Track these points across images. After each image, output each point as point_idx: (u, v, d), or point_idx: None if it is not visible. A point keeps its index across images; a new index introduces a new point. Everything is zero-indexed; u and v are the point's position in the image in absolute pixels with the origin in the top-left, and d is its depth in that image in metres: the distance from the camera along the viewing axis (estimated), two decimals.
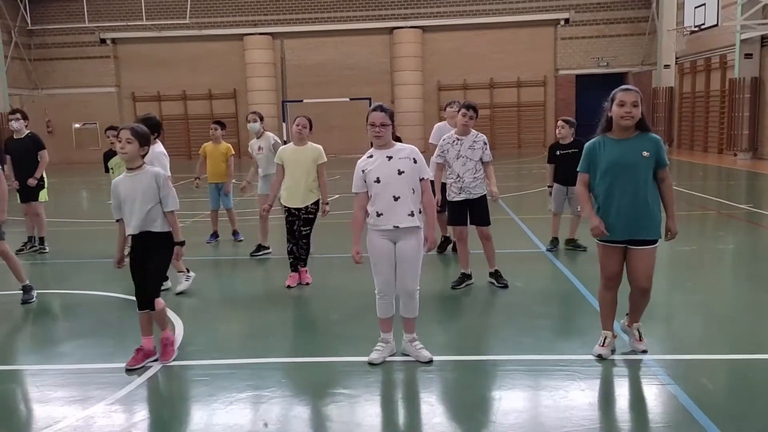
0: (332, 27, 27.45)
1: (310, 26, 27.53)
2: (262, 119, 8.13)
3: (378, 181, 4.12)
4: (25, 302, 6.02)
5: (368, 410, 3.74)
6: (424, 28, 27.33)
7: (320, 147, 6.36)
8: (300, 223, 6.30)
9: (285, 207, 6.35)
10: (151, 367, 4.34)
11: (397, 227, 4.13)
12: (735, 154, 19.85)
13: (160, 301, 4.46)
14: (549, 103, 27.34)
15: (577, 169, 4.24)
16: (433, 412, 3.76)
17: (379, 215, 4.15)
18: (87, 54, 28.15)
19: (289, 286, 6.36)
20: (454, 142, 6.03)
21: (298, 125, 6.29)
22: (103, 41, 28.07)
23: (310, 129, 6.36)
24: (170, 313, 5.49)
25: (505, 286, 6.13)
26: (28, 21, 27.21)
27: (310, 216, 6.30)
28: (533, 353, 4.46)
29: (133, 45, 28.20)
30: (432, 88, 27.46)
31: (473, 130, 6.06)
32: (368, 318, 5.36)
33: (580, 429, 3.40)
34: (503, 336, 4.95)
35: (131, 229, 4.34)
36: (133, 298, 5.99)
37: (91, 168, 24.09)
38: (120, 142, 4.26)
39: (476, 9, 27.09)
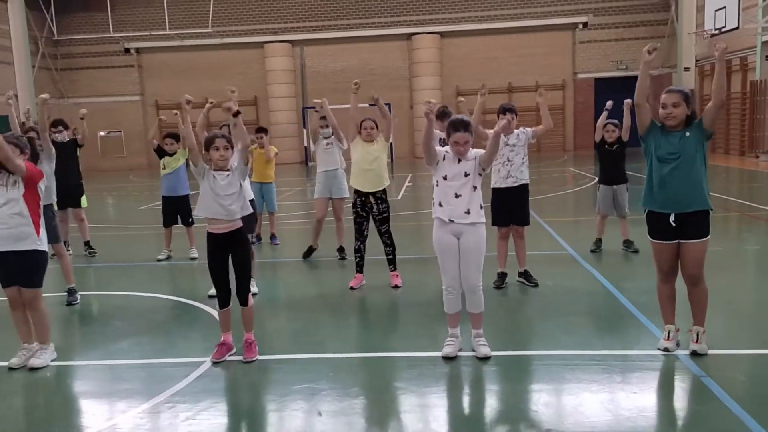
0: (351, 34, 27.81)
1: (329, 33, 27.91)
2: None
3: (445, 178, 4.48)
4: (69, 303, 6.34)
5: (409, 402, 3.96)
6: (442, 34, 27.61)
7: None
8: (377, 224, 6.53)
9: (354, 204, 6.53)
10: (214, 363, 4.61)
11: (452, 221, 4.43)
12: (757, 156, 19.83)
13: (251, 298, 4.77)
14: (568, 106, 27.46)
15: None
16: (478, 403, 4.00)
17: (440, 205, 4.51)
18: (112, 63, 28.78)
19: (352, 288, 6.54)
20: None
21: (365, 128, 6.54)
22: (127, 51, 28.68)
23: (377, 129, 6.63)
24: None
25: (536, 285, 6.35)
26: (54, 32, 27.87)
27: (384, 215, 6.52)
28: (570, 349, 4.66)
29: (156, 54, 28.78)
30: (450, 93, 27.63)
31: (515, 129, 6.32)
32: (429, 316, 5.58)
33: (620, 419, 3.60)
34: (540, 332, 5.16)
35: (219, 215, 4.55)
36: (180, 299, 6.40)
37: (118, 175, 24.64)
38: (218, 150, 4.55)
39: (494, 14, 27.31)
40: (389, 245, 6.62)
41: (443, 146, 5.73)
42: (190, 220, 8.44)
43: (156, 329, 5.55)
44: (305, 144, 26.98)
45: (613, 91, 26.43)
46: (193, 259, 8.25)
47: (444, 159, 4.54)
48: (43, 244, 4.67)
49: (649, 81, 4.46)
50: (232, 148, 4.65)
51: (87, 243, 8.92)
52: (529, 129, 6.42)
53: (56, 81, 28.51)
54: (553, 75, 27.37)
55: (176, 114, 8.34)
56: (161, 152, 8.35)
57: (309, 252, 8.11)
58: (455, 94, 27.66)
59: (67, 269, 6.43)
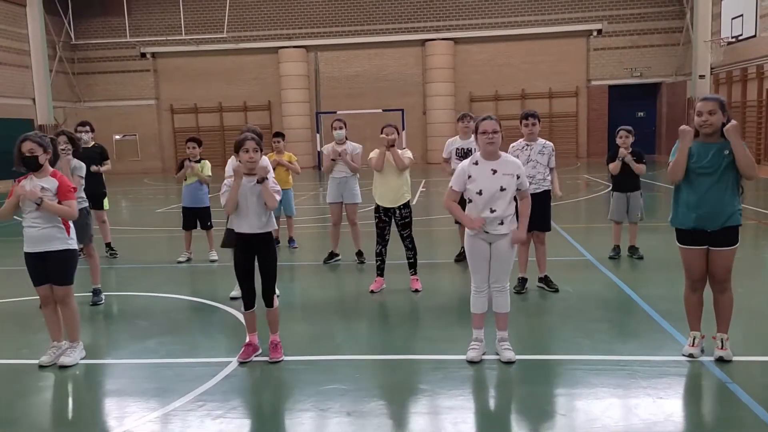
0: (365, 39, 27.91)
1: (343, 39, 28.03)
2: (346, 126, 8.12)
3: (480, 193, 4.45)
4: (94, 303, 6.44)
5: (437, 404, 3.99)
6: (456, 40, 27.65)
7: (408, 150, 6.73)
8: (399, 229, 6.60)
9: (376, 210, 6.61)
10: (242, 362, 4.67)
11: (488, 233, 4.49)
12: None
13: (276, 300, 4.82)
14: (581, 113, 27.40)
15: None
16: (505, 406, 4.03)
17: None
18: (128, 68, 29.03)
19: (372, 291, 6.58)
20: (523, 148, 6.32)
21: (386, 134, 6.55)
22: (143, 55, 28.92)
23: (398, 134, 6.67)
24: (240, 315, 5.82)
25: (556, 291, 6.37)
26: (72, 36, 28.17)
27: (407, 220, 6.59)
28: (594, 354, 4.69)
29: (172, 59, 29.01)
30: (464, 99, 27.71)
31: (540, 138, 6.35)
32: (450, 320, 5.62)
33: (646, 423, 3.62)
34: (562, 337, 5.18)
35: (244, 228, 4.64)
36: (202, 300, 6.46)
37: (133, 178, 24.82)
38: (248, 152, 4.55)
39: (508, 21, 27.34)
40: (411, 249, 6.66)
41: (466, 156, 5.78)
42: (209, 224, 8.52)
43: (180, 330, 5.62)
44: (318, 149, 27.08)
45: (627, 98, 26.64)
46: (213, 261, 8.32)
47: (470, 177, 4.48)
48: (73, 243, 4.79)
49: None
50: (261, 150, 4.70)
51: (108, 244, 9.02)
52: (553, 156, 6.38)
53: (73, 85, 28.80)
54: (566, 82, 27.34)
55: (190, 170, 8.36)
56: (183, 164, 8.48)
57: (330, 257, 8.17)
58: (468, 100, 27.75)
59: (95, 270, 6.52)
